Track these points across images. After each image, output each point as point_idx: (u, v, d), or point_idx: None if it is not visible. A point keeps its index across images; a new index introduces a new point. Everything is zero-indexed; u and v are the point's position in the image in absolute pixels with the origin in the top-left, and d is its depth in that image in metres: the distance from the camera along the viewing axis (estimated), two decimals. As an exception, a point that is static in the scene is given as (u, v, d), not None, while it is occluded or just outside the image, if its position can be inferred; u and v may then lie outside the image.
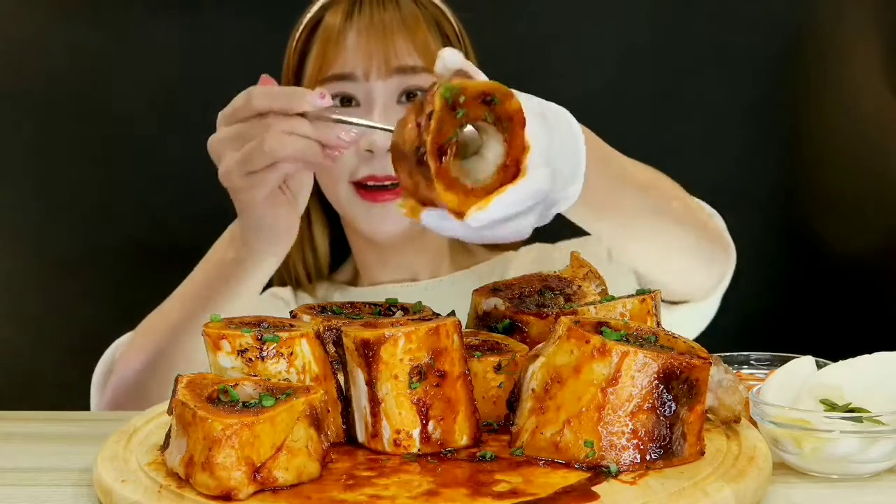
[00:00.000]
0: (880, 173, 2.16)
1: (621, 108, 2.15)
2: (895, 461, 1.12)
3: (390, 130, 1.12)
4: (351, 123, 1.30)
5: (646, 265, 1.61)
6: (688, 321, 1.69)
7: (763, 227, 2.15)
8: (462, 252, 1.90)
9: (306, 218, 1.88)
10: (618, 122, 2.15)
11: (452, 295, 1.72)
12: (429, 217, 1.12)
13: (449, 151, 1.08)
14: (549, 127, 1.14)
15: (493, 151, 1.10)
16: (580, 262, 1.33)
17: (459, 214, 1.09)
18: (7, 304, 2.19)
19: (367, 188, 1.73)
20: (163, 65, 2.14)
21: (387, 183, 1.73)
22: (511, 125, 1.10)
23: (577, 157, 1.19)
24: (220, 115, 1.36)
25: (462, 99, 1.07)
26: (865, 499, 1.08)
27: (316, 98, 1.29)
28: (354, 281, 1.89)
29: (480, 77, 1.18)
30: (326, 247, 1.89)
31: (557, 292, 1.30)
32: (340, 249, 1.92)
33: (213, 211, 2.11)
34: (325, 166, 1.35)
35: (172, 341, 1.53)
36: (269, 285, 1.89)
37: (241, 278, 1.48)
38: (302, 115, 1.31)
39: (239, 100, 1.34)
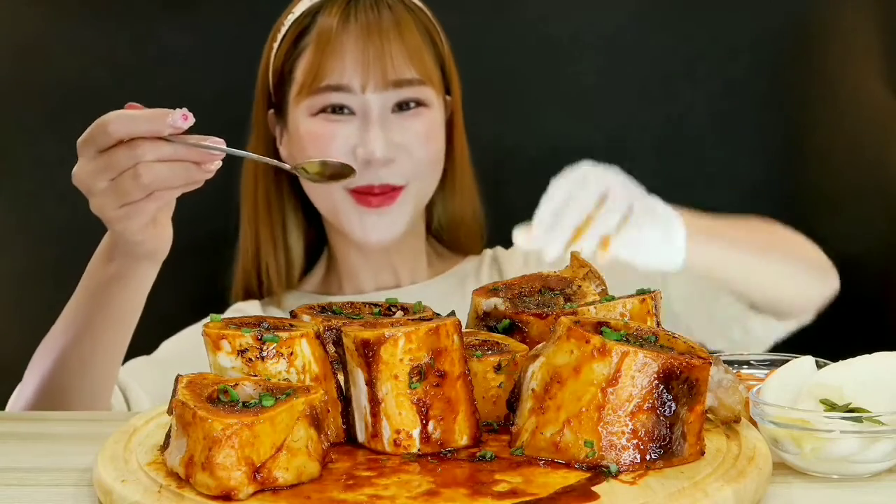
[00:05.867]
0: (881, 173, 2.16)
1: (620, 108, 2.15)
2: (895, 461, 1.12)
3: (247, 155, 1.27)
4: (210, 149, 1.25)
5: (757, 294, 1.69)
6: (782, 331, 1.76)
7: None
8: (437, 257, 1.90)
9: (280, 221, 1.85)
10: (617, 122, 2.16)
11: (438, 296, 1.71)
12: None
13: None
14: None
15: None
16: (580, 262, 1.33)
17: None
18: (7, 305, 2.19)
19: (362, 193, 1.74)
20: (167, 66, 2.14)
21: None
22: None
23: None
24: (80, 142, 1.29)
25: None
26: (865, 499, 1.08)
27: (179, 119, 1.24)
28: (329, 290, 1.87)
29: None
30: (301, 251, 1.87)
31: (557, 292, 1.30)
32: (308, 257, 1.90)
33: (215, 210, 2.12)
34: (201, 182, 1.29)
35: (62, 368, 1.46)
36: (218, 300, 1.86)
37: (122, 293, 1.41)
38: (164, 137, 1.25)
39: (95, 128, 1.27)
